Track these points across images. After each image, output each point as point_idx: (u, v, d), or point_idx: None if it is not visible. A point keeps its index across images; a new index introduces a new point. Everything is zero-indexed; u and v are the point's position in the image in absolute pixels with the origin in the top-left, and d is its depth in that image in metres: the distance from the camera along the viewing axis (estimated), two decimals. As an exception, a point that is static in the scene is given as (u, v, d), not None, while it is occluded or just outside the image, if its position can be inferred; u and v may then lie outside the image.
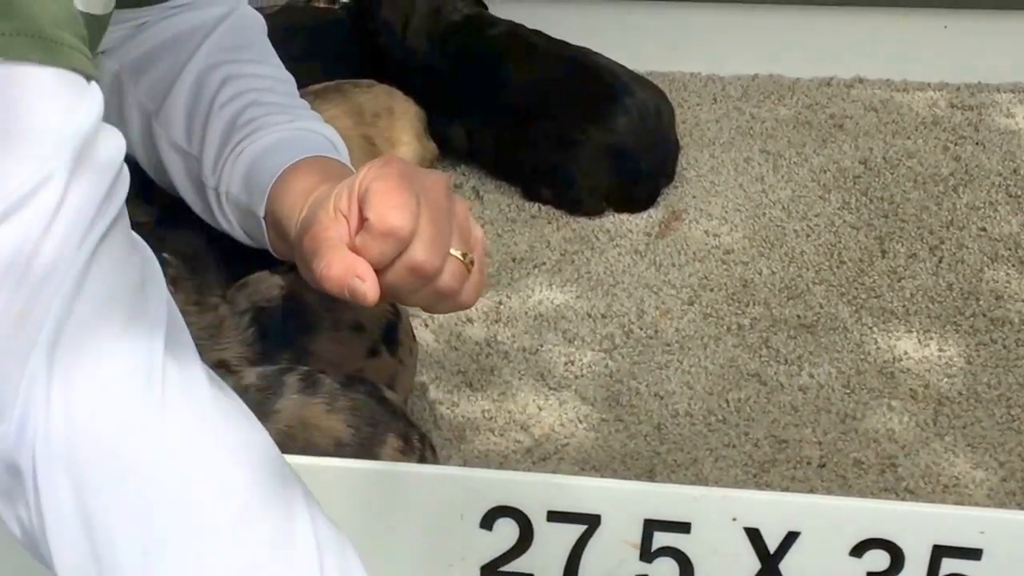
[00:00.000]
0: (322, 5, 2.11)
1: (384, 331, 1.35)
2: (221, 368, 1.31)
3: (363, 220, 1.17)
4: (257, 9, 1.91)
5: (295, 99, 1.42)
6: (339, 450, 1.24)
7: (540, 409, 1.49)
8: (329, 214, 1.19)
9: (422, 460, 1.30)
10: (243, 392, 1.26)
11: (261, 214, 1.30)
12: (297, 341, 1.34)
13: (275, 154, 1.31)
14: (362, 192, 1.17)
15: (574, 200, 1.80)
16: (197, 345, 1.28)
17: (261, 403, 1.26)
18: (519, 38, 1.90)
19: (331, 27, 2.02)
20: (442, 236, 1.17)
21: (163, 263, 1.46)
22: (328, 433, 1.26)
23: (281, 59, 1.40)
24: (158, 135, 1.41)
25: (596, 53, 1.89)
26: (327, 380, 1.28)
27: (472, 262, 1.19)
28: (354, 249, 1.16)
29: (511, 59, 1.87)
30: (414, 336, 1.46)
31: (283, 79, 1.45)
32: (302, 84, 1.81)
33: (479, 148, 1.86)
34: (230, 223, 1.36)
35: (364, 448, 1.25)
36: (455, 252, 1.19)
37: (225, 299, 1.37)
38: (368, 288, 1.14)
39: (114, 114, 1.47)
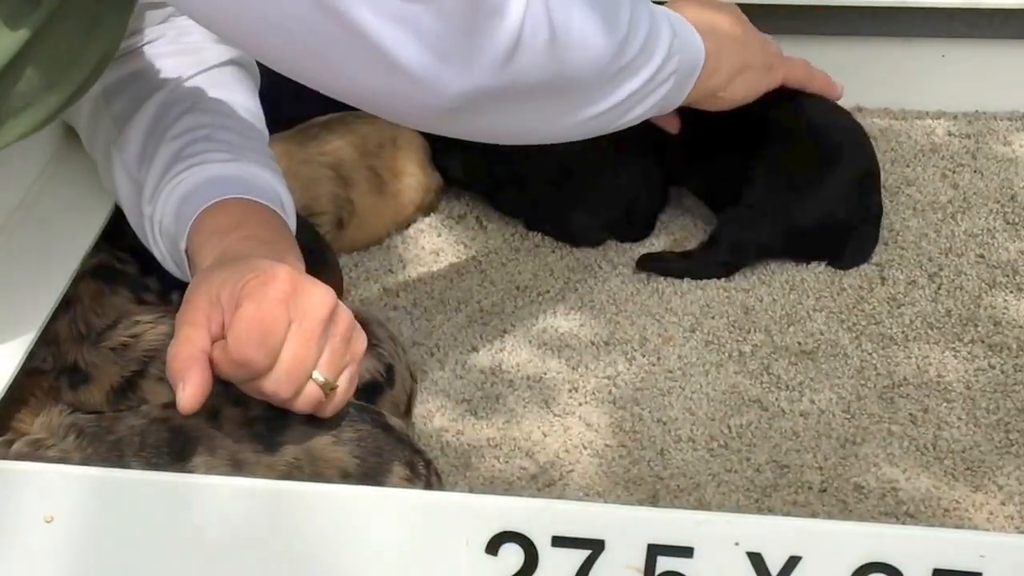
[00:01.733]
0: None
1: (361, 390, 1.34)
2: (235, 405, 1.31)
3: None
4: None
5: (253, 140, 1.42)
6: (345, 481, 1.25)
7: (545, 436, 1.50)
8: (208, 298, 1.20)
9: (428, 487, 1.30)
10: (249, 424, 1.27)
11: (182, 247, 1.31)
12: None
13: (207, 189, 1.32)
14: (237, 303, 1.18)
15: (573, 235, 1.80)
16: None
17: (267, 435, 1.27)
18: None
19: None
20: (302, 367, 1.19)
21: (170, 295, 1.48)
22: (334, 465, 1.26)
23: (283, 91, 1.40)
24: (114, 158, 1.41)
25: None
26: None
27: (334, 388, 1.21)
28: (209, 353, 1.18)
29: None
30: (408, 410, 1.47)
31: (246, 118, 1.44)
32: (306, 117, 1.83)
33: (477, 181, 1.86)
34: (162, 253, 1.36)
35: (369, 478, 1.26)
36: (317, 377, 1.20)
37: None
38: (183, 399, 1.17)
39: (89, 135, 1.49)
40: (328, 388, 1.20)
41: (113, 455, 1.25)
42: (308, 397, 1.20)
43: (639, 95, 1.41)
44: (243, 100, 1.45)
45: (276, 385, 1.18)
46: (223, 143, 1.37)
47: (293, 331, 1.18)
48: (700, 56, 1.51)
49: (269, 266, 1.18)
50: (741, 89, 1.65)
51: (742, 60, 1.62)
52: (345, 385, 1.22)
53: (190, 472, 1.22)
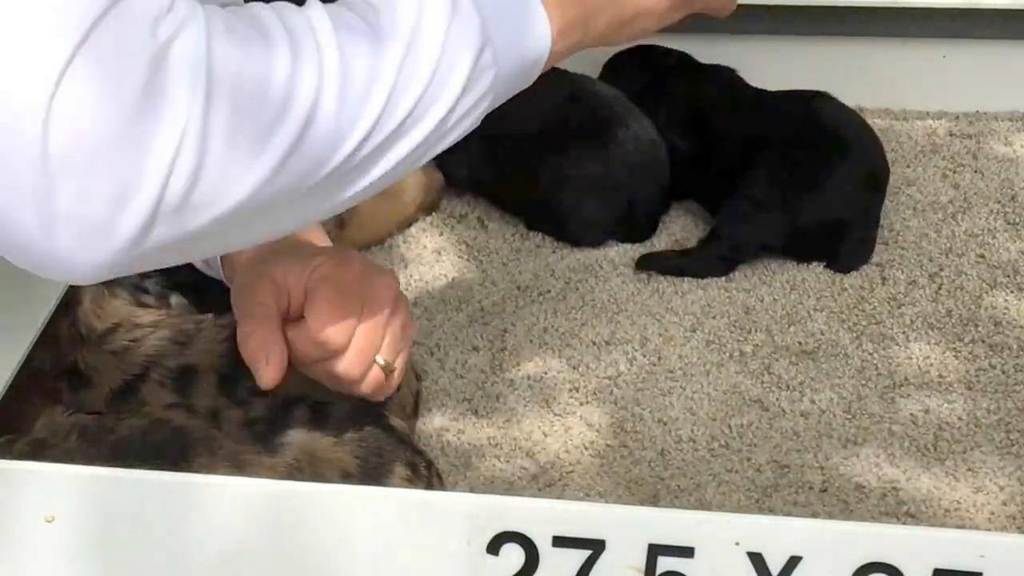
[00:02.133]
0: None
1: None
2: (237, 406, 1.31)
3: (301, 312, 1.20)
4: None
5: None
6: (346, 481, 1.25)
7: (545, 436, 1.50)
8: (272, 282, 1.20)
9: (429, 487, 1.31)
10: (250, 425, 1.28)
11: None
12: None
13: None
14: (311, 285, 1.19)
15: (574, 236, 1.80)
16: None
17: (268, 436, 1.27)
18: None
19: None
20: (371, 348, 1.22)
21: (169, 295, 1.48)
22: (335, 466, 1.27)
23: None
24: None
25: (595, 81, 1.90)
26: (334, 410, 1.29)
27: (392, 370, 1.25)
28: (284, 331, 1.19)
29: None
30: (415, 410, 1.47)
31: None
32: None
33: (480, 180, 1.87)
34: None
35: (370, 479, 1.26)
36: (380, 360, 1.22)
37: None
38: (267, 374, 1.18)
39: None
40: (388, 370, 1.23)
41: (115, 455, 1.25)
42: (373, 379, 1.24)
43: (432, 139, 1.10)
44: None
45: (348, 366, 1.21)
46: None
47: (365, 314, 1.21)
48: (541, 48, 1.17)
49: (338, 250, 1.21)
50: (632, 33, 1.29)
51: (624, 9, 1.26)
52: (401, 367, 1.25)
53: (191, 472, 1.22)
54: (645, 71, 1.95)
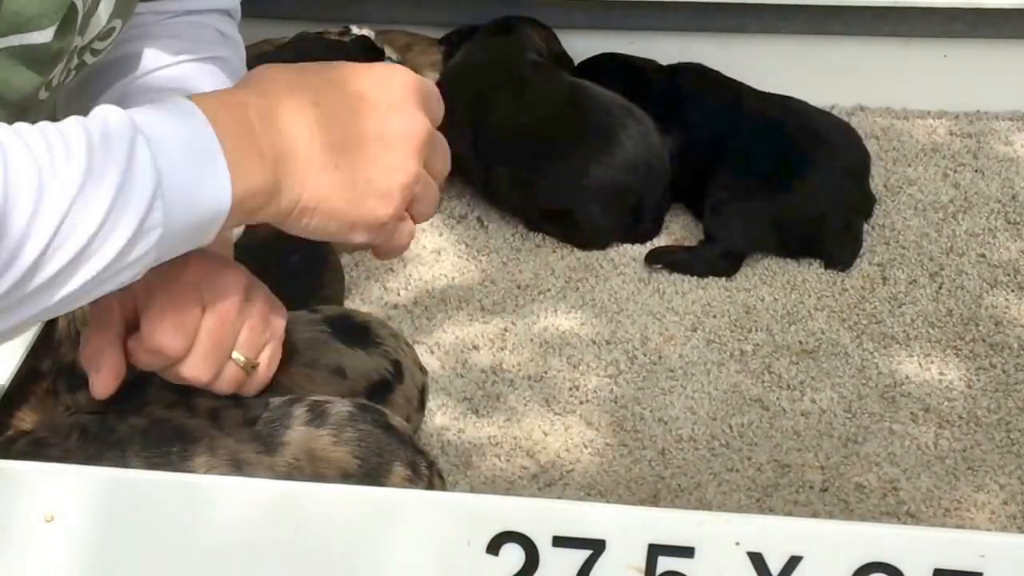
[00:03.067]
0: (333, 36, 2.11)
1: (369, 389, 1.34)
2: (237, 406, 1.31)
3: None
4: (265, 41, 1.90)
5: None
6: (346, 481, 1.25)
7: (546, 435, 1.50)
8: (120, 289, 1.18)
9: (430, 487, 1.30)
10: (250, 424, 1.27)
11: None
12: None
13: None
14: (146, 290, 1.17)
15: (585, 242, 1.80)
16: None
17: (268, 436, 1.27)
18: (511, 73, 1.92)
19: (343, 58, 2.03)
20: (220, 347, 1.17)
21: None
22: (335, 465, 1.26)
23: None
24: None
25: (590, 85, 1.90)
26: (334, 409, 1.29)
27: (255, 365, 1.20)
28: (124, 342, 1.18)
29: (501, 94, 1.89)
30: (422, 404, 1.47)
31: None
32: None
33: (480, 181, 1.87)
34: None
35: (370, 478, 1.26)
36: (237, 356, 1.19)
37: None
38: (97, 383, 1.17)
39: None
40: (249, 367, 1.21)
41: (115, 454, 1.25)
42: (229, 378, 1.20)
43: (88, 287, 1.04)
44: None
45: (193, 369, 1.17)
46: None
47: (209, 313, 1.18)
48: (219, 208, 1.05)
49: (179, 257, 1.17)
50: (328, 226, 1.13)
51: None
52: (266, 362, 1.22)
53: (191, 472, 1.22)
54: (620, 72, 1.96)
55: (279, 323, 1.22)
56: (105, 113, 1.00)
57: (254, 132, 1.05)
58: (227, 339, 1.18)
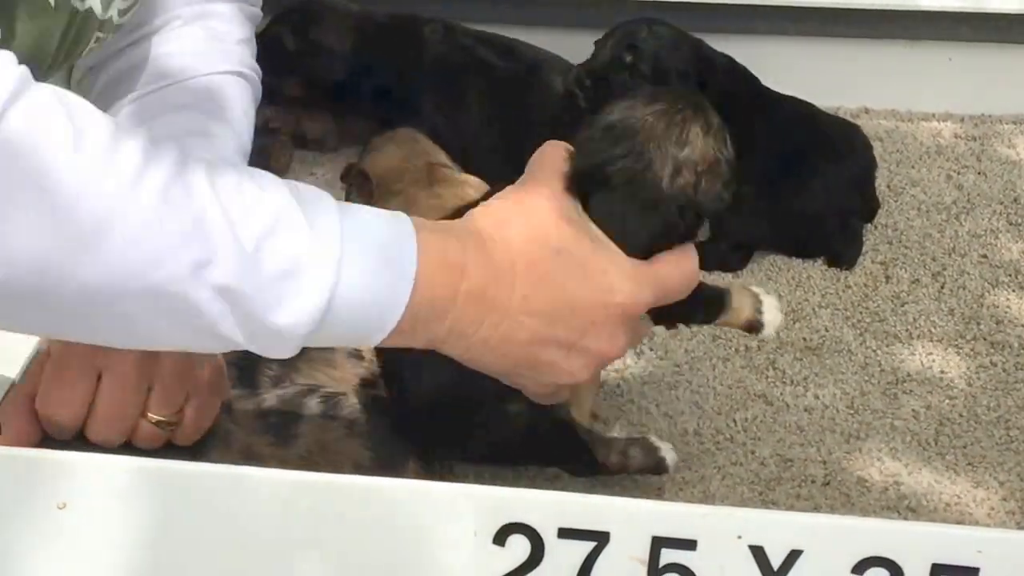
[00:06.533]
0: None
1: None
2: (251, 397, 1.32)
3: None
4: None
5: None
6: (359, 473, 1.26)
7: (552, 428, 1.51)
8: (42, 356, 1.18)
9: (441, 479, 1.31)
10: (264, 416, 1.29)
11: None
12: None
13: None
14: (46, 358, 1.17)
15: None
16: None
17: (282, 427, 1.28)
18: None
19: None
20: (120, 414, 1.17)
21: None
22: (348, 457, 1.27)
23: None
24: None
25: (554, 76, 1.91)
26: (348, 402, 1.30)
27: (173, 423, 1.19)
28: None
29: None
30: None
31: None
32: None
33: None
34: None
35: (384, 471, 1.27)
36: (152, 417, 1.19)
37: None
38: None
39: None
40: (166, 426, 1.19)
41: (128, 453, 1.26)
42: (145, 438, 1.19)
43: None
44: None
45: (97, 436, 1.17)
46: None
47: (106, 379, 1.16)
48: (378, 332, 1.01)
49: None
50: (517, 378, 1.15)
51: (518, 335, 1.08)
52: (193, 415, 1.21)
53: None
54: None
55: (202, 375, 1.20)
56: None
57: (452, 302, 1.03)
58: (128, 404, 1.17)
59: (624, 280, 1.10)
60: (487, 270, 1.04)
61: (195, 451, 1.26)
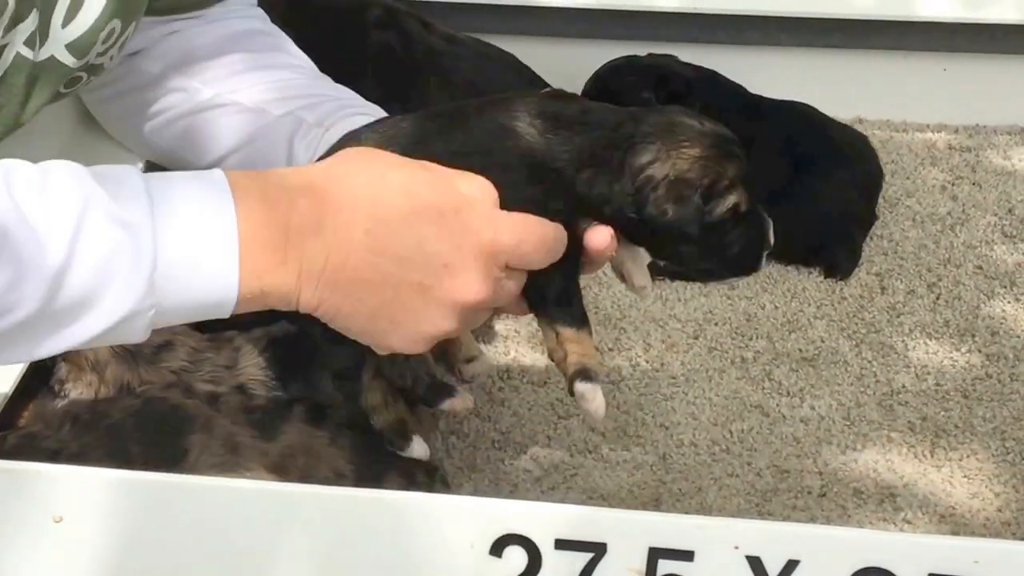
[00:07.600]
0: None
1: None
2: (239, 393, 1.33)
3: None
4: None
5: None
6: (339, 482, 1.26)
7: (549, 439, 1.51)
8: None
9: (431, 491, 1.31)
10: (250, 412, 1.29)
11: None
12: (305, 373, 1.36)
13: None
14: None
15: None
16: (217, 375, 1.31)
17: (265, 423, 1.28)
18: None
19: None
20: None
21: None
22: (329, 463, 1.27)
23: None
24: (210, 107, 1.41)
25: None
26: (335, 415, 1.30)
27: None
28: None
29: None
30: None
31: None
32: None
33: None
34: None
35: (364, 483, 1.26)
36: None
37: (240, 330, 1.39)
38: None
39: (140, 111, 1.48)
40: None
41: (110, 440, 1.25)
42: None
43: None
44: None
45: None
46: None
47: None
48: (223, 298, 1.04)
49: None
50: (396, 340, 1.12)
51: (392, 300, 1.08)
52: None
53: (185, 451, 1.23)
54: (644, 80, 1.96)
55: None
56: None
57: (286, 239, 1.04)
58: None
59: (482, 220, 1.08)
60: (319, 203, 1.03)
61: (176, 433, 1.25)
